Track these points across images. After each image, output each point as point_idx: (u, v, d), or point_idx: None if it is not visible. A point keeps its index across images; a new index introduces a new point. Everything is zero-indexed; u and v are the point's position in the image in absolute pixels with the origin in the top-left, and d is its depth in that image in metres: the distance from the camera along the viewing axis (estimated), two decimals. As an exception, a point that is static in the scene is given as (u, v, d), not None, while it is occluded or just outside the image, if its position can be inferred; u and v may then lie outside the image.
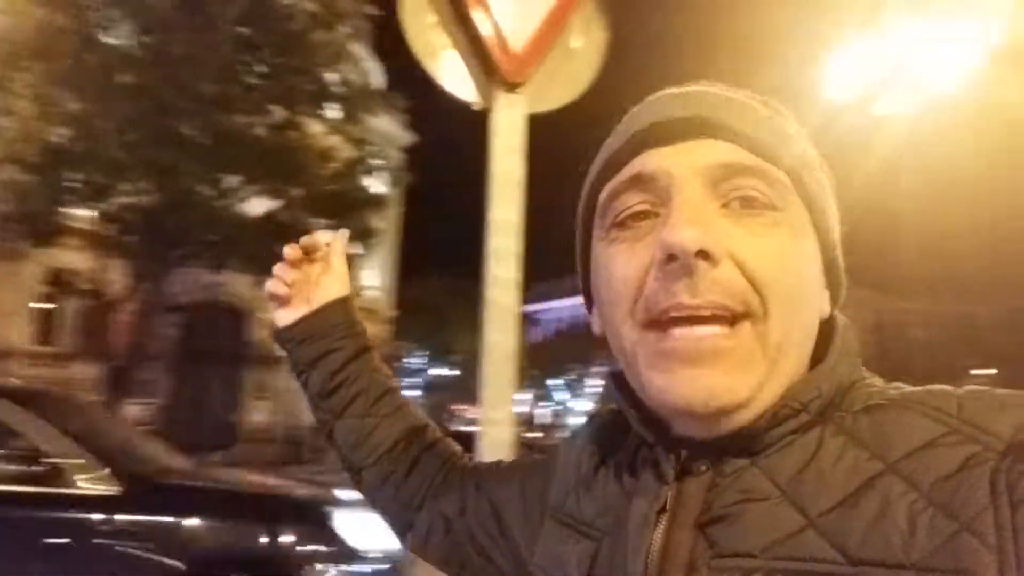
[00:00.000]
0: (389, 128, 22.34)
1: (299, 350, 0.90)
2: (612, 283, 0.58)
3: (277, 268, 0.92)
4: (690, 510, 0.55)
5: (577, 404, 41.07)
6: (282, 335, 0.92)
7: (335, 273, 0.93)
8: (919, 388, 0.54)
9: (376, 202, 14.32)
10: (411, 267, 27.29)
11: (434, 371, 38.54)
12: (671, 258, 0.53)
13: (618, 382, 0.64)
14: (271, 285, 0.92)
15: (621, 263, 0.57)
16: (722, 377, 0.52)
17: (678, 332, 0.53)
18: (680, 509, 0.56)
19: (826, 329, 0.59)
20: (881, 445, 0.50)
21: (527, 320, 35.52)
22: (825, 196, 0.60)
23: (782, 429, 0.54)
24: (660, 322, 0.54)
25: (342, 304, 0.92)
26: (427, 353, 37.25)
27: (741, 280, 0.53)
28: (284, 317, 0.92)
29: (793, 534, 0.49)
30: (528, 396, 35.43)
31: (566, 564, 0.63)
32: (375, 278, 24.75)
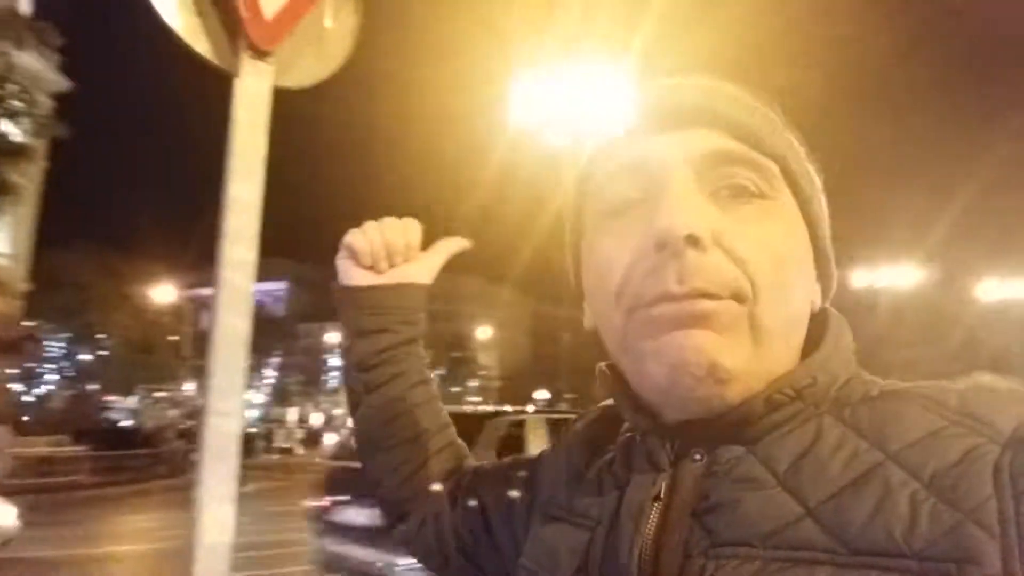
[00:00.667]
0: (37, 66, 18.78)
1: (357, 316, 0.86)
2: (602, 271, 0.58)
3: (372, 224, 0.87)
4: (685, 498, 0.54)
5: (251, 396, 38.55)
6: (346, 294, 0.87)
7: (426, 262, 0.90)
8: (918, 383, 0.54)
9: (13, 152, 11.95)
10: (51, 234, 23.26)
11: (80, 356, 33.24)
12: (660, 244, 0.53)
13: (610, 373, 0.63)
14: (356, 236, 0.86)
15: (611, 250, 0.57)
16: (713, 337, 0.52)
17: (666, 305, 0.53)
18: (675, 497, 0.55)
19: (819, 322, 0.59)
20: (881, 436, 0.50)
21: (194, 304, 32.32)
22: (814, 188, 0.60)
23: (777, 416, 0.54)
24: (648, 307, 0.54)
25: (419, 290, 0.89)
26: (68, 335, 32.01)
27: (730, 266, 0.53)
28: (355, 276, 0.87)
29: (791, 523, 0.48)
30: (192, 387, 32.09)
31: (557, 556, 0.62)
32: (5, 243, 20.59)
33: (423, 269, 0.90)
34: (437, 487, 0.85)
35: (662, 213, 0.53)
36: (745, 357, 0.53)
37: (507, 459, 0.85)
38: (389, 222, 0.88)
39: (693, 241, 0.52)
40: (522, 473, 0.79)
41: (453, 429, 0.90)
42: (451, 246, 0.94)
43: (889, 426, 0.51)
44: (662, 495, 0.56)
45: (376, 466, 0.87)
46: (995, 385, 0.52)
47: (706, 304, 0.52)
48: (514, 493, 0.78)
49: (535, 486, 0.75)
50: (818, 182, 0.62)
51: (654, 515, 0.55)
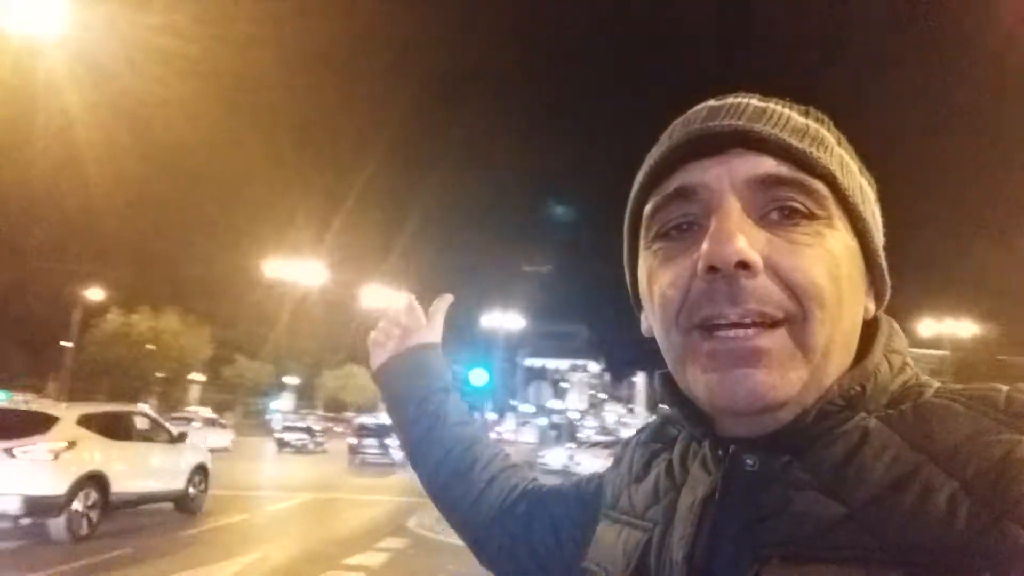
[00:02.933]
0: None
1: (389, 384, 1.04)
2: (658, 292, 0.60)
3: (390, 316, 1.08)
4: (737, 502, 0.57)
5: None
6: (378, 372, 1.06)
7: (431, 326, 1.08)
8: (968, 386, 0.55)
9: None
10: None
11: None
12: (712, 269, 0.54)
13: (668, 382, 0.65)
14: (378, 335, 1.08)
15: (666, 273, 0.59)
16: (765, 376, 0.54)
17: (722, 334, 0.55)
18: (727, 500, 0.58)
19: (871, 328, 0.61)
20: (924, 438, 0.51)
21: None
22: (866, 202, 0.61)
23: (826, 424, 0.55)
24: (704, 327, 0.56)
25: (429, 348, 1.06)
26: None
27: (779, 289, 0.55)
28: (379, 356, 1.06)
29: (835, 524, 0.50)
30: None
31: (617, 556, 0.66)
32: None
33: (428, 331, 1.08)
34: (506, 510, 0.92)
35: (713, 239, 0.55)
36: (799, 385, 0.55)
37: (577, 477, 0.91)
38: (394, 310, 1.08)
39: (743, 266, 0.54)
40: (589, 486, 0.85)
41: (506, 455, 0.99)
42: (443, 305, 1.11)
43: (933, 428, 0.52)
44: (715, 498, 0.58)
45: (444, 502, 0.97)
46: None
47: (760, 341, 0.54)
48: (581, 505, 0.83)
49: (600, 495, 0.80)
50: (871, 194, 0.63)
51: (707, 518, 0.58)
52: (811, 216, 0.57)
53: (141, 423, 10.68)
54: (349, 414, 50.23)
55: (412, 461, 1.00)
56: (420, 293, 1.12)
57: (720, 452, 0.60)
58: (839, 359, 0.57)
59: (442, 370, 1.04)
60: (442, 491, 0.96)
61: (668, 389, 0.65)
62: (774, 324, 0.55)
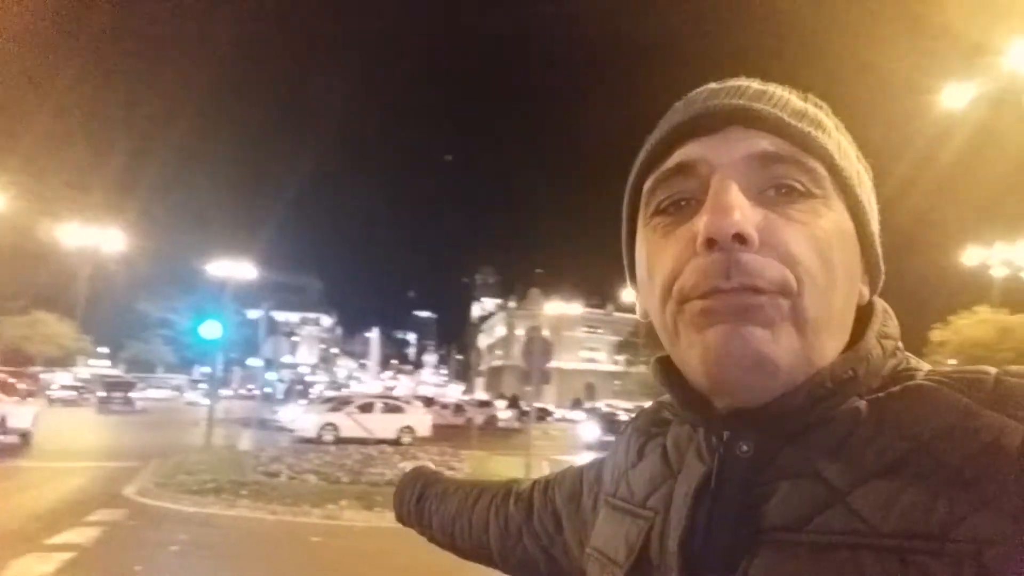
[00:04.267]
0: None
1: (401, 506, 1.22)
2: (654, 267, 0.60)
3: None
4: (732, 488, 0.58)
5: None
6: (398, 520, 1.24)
7: None
8: (957, 367, 0.56)
9: None
10: None
11: None
12: (710, 242, 0.55)
13: (662, 367, 0.65)
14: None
15: (663, 247, 0.60)
16: (759, 331, 0.54)
17: (715, 298, 0.55)
18: (722, 487, 0.58)
19: (865, 313, 0.62)
20: (913, 423, 0.52)
21: None
22: (862, 187, 0.62)
23: (819, 409, 0.56)
24: (699, 299, 0.56)
25: (413, 470, 1.25)
26: None
27: (777, 263, 0.55)
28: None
29: (827, 509, 0.51)
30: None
31: (620, 542, 0.66)
32: None
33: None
34: (510, 523, 0.98)
35: (711, 211, 0.56)
36: (791, 350, 0.55)
37: (578, 464, 0.93)
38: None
39: (741, 239, 0.54)
40: (591, 471, 0.86)
41: (496, 482, 1.08)
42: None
43: (922, 413, 0.53)
44: (711, 484, 0.59)
45: (460, 550, 1.09)
46: (1022, 371, 0.53)
47: (753, 298, 0.54)
48: (582, 489, 0.86)
49: (601, 481, 0.81)
50: (868, 181, 0.64)
51: (702, 506, 0.59)
52: (808, 195, 0.58)
53: None
54: (36, 368, 43.59)
55: (462, 554, 1.09)
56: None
57: (715, 439, 0.61)
58: (831, 340, 0.58)
59: (418, 479, 1.21)
60: (472, 556, 1.06)
61: (663, 374, 0.65)
62: (771, 297, 0.55)
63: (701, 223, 0.56)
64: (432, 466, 1.24)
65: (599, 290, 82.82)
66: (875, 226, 0.63)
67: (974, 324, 37.87)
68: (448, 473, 1.23)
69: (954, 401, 0.52)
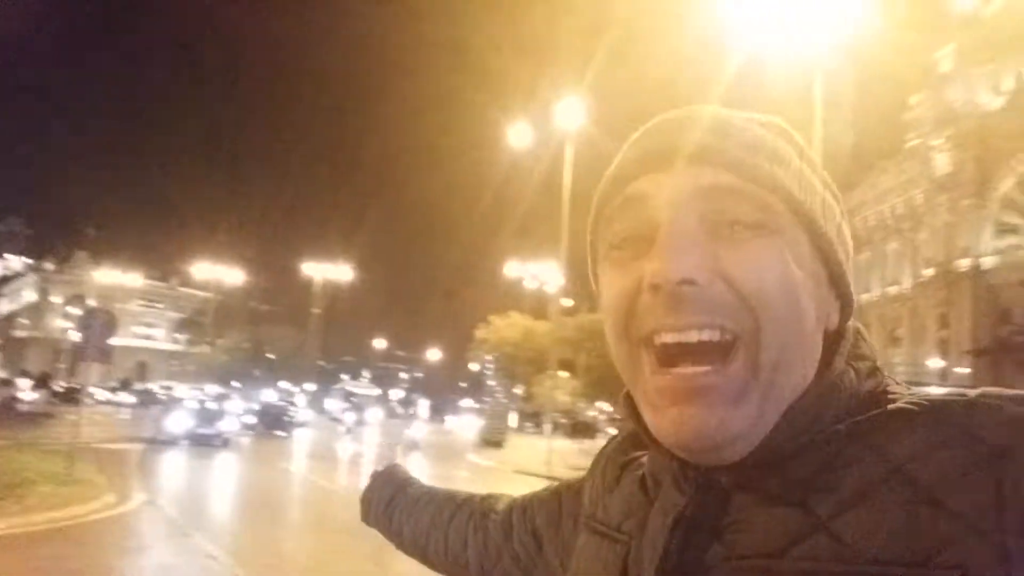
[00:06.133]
0: None
1: (367, 510, 1.17)
2: (610, 305, 0.60)
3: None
4: (708, 515, 0.57)
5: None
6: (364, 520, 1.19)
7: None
8: (934, 392, 0.56)
9: None
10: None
11: None
12: (655, 288, 0.55)
13: (632, 403, 0.64)
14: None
15: (615, 284, 0.60)
16: (711, 416, 0.54)
17: (672, 371, 0.55)
18: (698, 516, 0.57)
19: (836, 339, 0.60)
20: (892, 447, 0.51)
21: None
22: (828, 216, 0.60)
23: (796, 440, 0.55)
24: (652, 344, 0.56)
25: (384, 472, 1.19)
26: None
27: (730, 298, 0.54)
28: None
29: (805, 536, 0.50)
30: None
31: (600, 568, 0.66)
32: None
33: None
34: (488, 541, 0.95)
35: (655, 256, 0.55)
36: (753, 413, 0.54)
37: (559, 483, 0.92)
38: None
39: (688, 283, 0.54)
40: (570, 491, 0.86)
41: (474, 496, 1.05)
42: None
43: (901, 437, 0.52)
44: (687, 514, 0.58)
45: (432, 563, 1.05)
46: (1000, 395, 0.53)
47: (710, 378, 0.54)
48: (562, 510, 0.85)
49: (580, 503, 0.80)
50: (836, 208, 0.62)
51: (678, 536, 0.58)
52: (763, 228, 0.56)
53: None
54: None
55: (434, 567, 1.05)
56: None
57: (691, 472, 0.59)
58: (796, 372, 0.57)
59: (388, 482, 1.16)
60: (432, 555, 1.03)
61: (632, 411, 0.64)
62: (724, 349, 0.55)
63: (647, 267, 0.56)
64: (404, 467, 1.20)
65: (163, 261, 75.35)
66: (844, 254, 0.62)
67: (507, 326, 45.49)
68: (419, 479, 1.17)
69: (930, 427, 0.52)
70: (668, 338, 0.56)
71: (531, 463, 22.68)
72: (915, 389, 0.58)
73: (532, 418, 45.07)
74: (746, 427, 0.54)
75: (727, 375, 0.55)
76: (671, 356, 0.56)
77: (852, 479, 0.52)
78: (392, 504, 1.11)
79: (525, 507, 0.92)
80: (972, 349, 44.51)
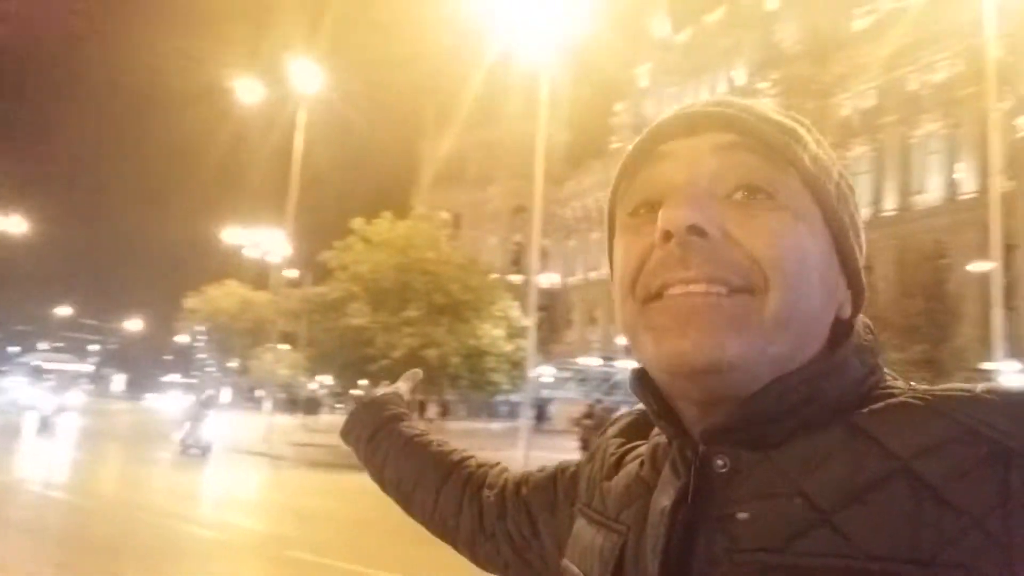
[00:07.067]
0: None
1: (347, 439, 1.11)
2: (619, 265, 0.61)
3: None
4: (709, 505, 0.56)
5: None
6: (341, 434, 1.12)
7: (401, 387, 1.16)
8: (938, 387, 0.54)
9: None
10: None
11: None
12: (666, 234, 0.55)
13: (639, 377, 0.64)
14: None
15: (628, 246, 0.60)
16: (710, 334, 0.53)
17: (674, 290, 0.55)
18: (699, 504, 0.56)
19: (845, 330, 0.60)
20: (896, 442, 0.51)
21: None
22: (842, 203, 0.60)
23: (796, 421, 0.55)
24: (659, 299, 0.57)
25: (388, 395, 1.12)
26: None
27: (741, 256, 0.55)
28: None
29: (810, 529, 0.50)
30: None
31: (595, 558, 0.65)
32: None
33: (398, 389, 1.15)
34: (483, 512, 0.92)
35: (667, 205, 0.56)
36: (751, 347, 0.54)
37: (555, 464, 0.90)
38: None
39: (698, 231, 0.54)
40: (565, 475, 0.85)
41: (468, 460, 1.00)
42: (415, 376, 1.22)
43: (905, 433, 0.51)
44: (687, 501, 0.57)
45: (413, 513, 1.01)
46: (1003, 390, 0.52)
47: (710, 298, 0.54)
48: (557, 495, 0.84)
49: (576, 488, 0.79)
50: (851, 199, 0.62)
51: (678, 524, 0.56)
52: (779, 203, 0.57)
53: None
54: None
55: (375, 479, 1.05)
56: None
57: (691, 453, 0.59)
58: (802, 341, 0.56)
59: (382, 410, 1.08)
60: (428, 524, 0.99)
61: (639, 384, 0.64)
62: (732, 291, 0.55)
63: (658, 216, 0.56)
64: (403, 397, 1.13)
65: None
66: (856, 244, 0.62)
67: (224, 295, 42.26)
68: (408, 414, 1.10)
69: (936, 421, 0.51)
70: (675, 291, 0.56)
71: (249, 441, 21.42)
72: (915, 385, 0.58)
73: (248, 393, 42.75)
74: (742, 355, 0.54)
75: (732, 300, 0.55)
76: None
77: (858, 472, 0.51)
78: (374, 440, 1.06)
79: (519, 488, 0.91)
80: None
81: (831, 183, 0.60)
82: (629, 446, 0.73)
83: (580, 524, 0.72)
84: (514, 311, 22.17)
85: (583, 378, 40.33)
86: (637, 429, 0.74)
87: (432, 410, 24.76)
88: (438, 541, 0.98)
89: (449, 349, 19.09)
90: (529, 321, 19.69)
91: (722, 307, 0.54)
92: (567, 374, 40.94)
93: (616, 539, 0.64)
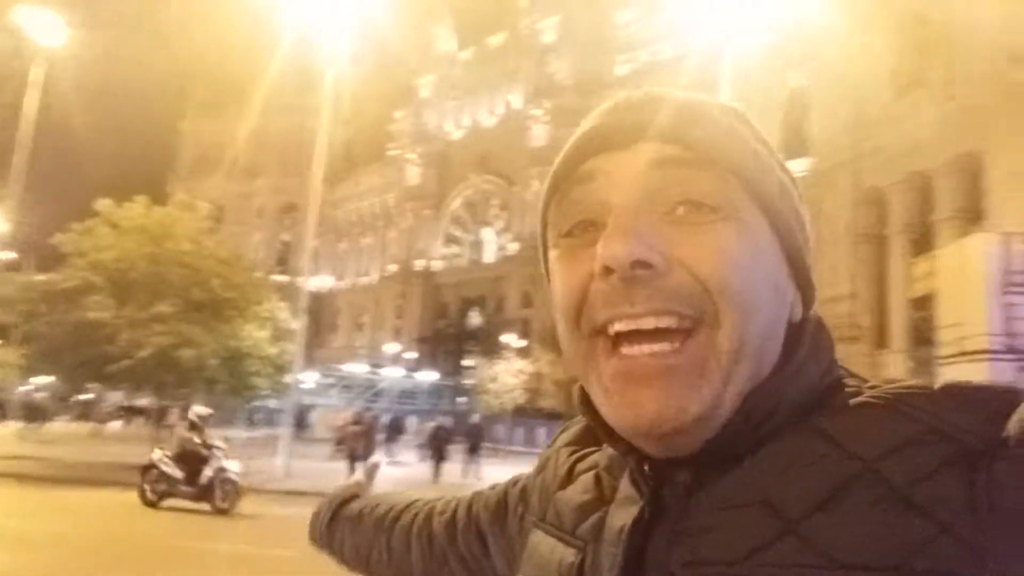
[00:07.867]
0: None
1: (314, 542, 1.11)
2: (559, 293, 0.57)
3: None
4: (669, 519, 0.54)
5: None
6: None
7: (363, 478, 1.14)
8: (897, 385, 0.53)
9: None
10: None
11: None
12: (607, 271, 0.52)
13: (586, 401, 0.61)
14: None
15: (566, 274, 0.57)
16: (669, 398, 0.52)
17: (625, 351, 0.53)
18: (659, 518, 0.54)
19: (798, 331, 0.58)
20: (859, 445, 0.49)
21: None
22: (785, 199, 0.58)
23: (757, 433, 0.53)
24: (606, 334, 0.54)
25: (345, 488, 1.11)
26: None
27: (690, 284, 0.52)
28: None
29: (773, 540, 0.48)
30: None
31: (552, 574, 0.62)
32: None
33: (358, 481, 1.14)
34: (431, 544, 0.90)
35: (607, 237, 0.53)
36: (712, 395, 0.52)
37: (507, 480, 0.86)
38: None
39: (643, 266, 0.52)
40: (515, 490, 0.81)
41: (415, 502, 0.99)
42: (374, 468, 1.19)
43: (867, 434, 0.50)
44: (646, 516, 0.55)
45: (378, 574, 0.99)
46: (963, 387, 0.51)
47: (668, 359, 0.52)
48: (508, 510, 0.81)
49: (528, 502, 0.76)
50: (794, 193, 0.60)
51: (637, 541, 0.55)
52: (720, 211, 0.54)
53: None
54: None
55: (361, 570, 1.02)
56: None
57: (648, 467, 0.57)
58: (756, 362, 0.55)
59: (335, 499, 1.08)
60: (376, 566, 0.98)
61: (586, 404, 0.61)
62: (685, 332, 0.53)
63: (597, 250, 0.53)
64: (363, 484, 1.12)
65: None
66: (802, 240, 0.60)
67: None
68: (374, 493, 1.08)
69: (898, 421, 0.50)
70: (622, 326, 0.53)
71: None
72: (873, 382, 0.56)
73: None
74: (705, 410, 0.52)
75: (686, 354, 0.52)
76: (621, 335, 0.54)
77: (823, 478, 0.49)
78: (336, 519, 1.06)
79: (469, 508, 0.88)
80: (418, 337, 52.57)
81: (773, 181, 0.58)
82: (581, 453, 0.70)
83: (536, 538, 0.68)
84: (282, 312, 21.19)
85: (347, 385, 39.57)
86: (589, 435, 0.70)
87: (174, 416, 22.42)
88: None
89: (207, 350, 17.59)
90: (297, 324, 18.87)
91: (680, 367, 0.52)
92: (331, 380, 39.85)
93: (574, 554, 0.61)
